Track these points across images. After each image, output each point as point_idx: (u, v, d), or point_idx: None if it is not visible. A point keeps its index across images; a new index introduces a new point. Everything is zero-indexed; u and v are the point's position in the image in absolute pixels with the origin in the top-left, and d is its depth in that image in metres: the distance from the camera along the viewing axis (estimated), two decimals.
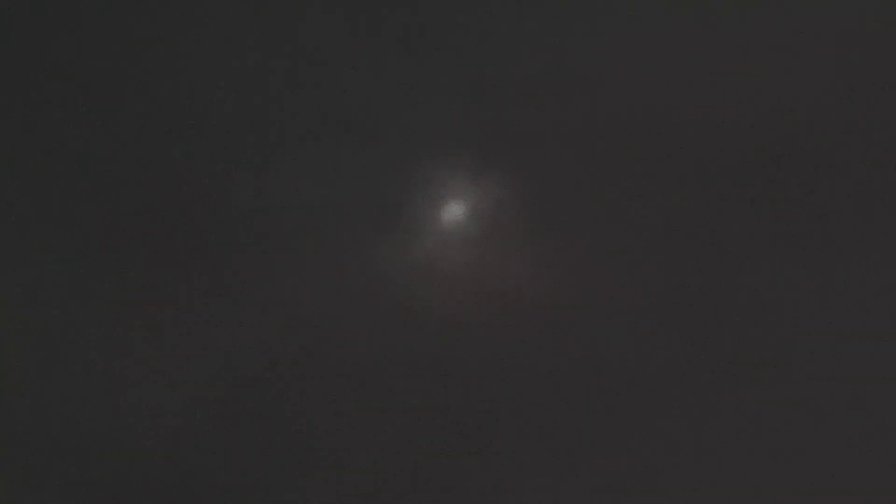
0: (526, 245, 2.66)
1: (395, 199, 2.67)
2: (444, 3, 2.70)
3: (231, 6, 2.73)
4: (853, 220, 2.62)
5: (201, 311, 2.67)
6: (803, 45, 2.66)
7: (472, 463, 2.61)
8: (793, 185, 2.64)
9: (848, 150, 2.64)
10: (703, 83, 2.67)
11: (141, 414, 2.65)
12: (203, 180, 2.69)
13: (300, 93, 2.69)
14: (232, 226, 2.68)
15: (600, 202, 2.64)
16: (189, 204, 2.69)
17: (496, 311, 2.64)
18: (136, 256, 2.68)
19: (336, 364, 2.64)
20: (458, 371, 2.63)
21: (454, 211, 2.65)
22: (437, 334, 2.64)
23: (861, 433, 2.57)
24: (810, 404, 2.58)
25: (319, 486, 2.62)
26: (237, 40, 2.71)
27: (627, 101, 2.66)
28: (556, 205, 2.65)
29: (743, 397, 2.59)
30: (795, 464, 2.58)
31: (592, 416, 2.60)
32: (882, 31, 2.64)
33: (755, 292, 2.61)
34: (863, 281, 2.61)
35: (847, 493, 2.55)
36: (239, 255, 2.67)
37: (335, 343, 2.65)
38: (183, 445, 2.64)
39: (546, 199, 2.65)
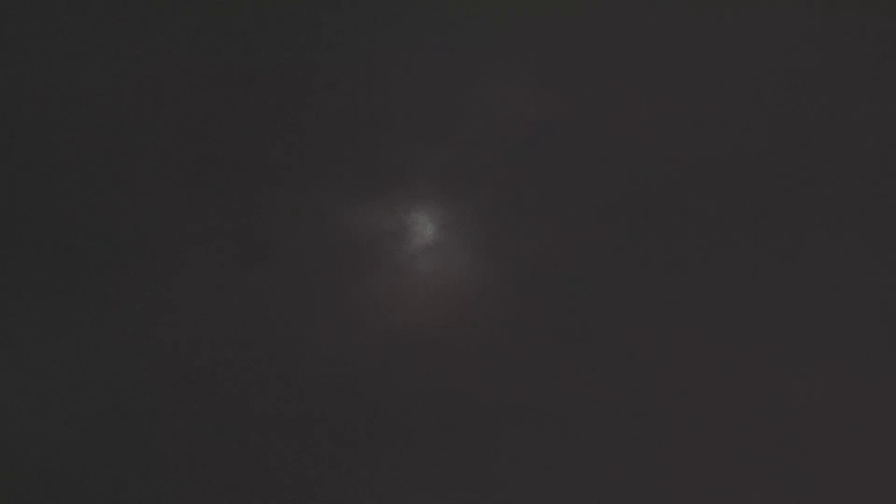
0: (405, 270, 2.67)
1: (261, 228, 2.67)
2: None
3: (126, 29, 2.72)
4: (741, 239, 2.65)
5: (70, 329, 2.66)
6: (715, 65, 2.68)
7: (346, 479, 2.60)
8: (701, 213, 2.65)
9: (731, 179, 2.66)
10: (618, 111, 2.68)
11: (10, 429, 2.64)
12: (91, 200, 2.67)
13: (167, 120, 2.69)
14: (97, 246, 2.66)
15: (491, 229, 2.66)
16: (71, 222, 2.68)
17: (371, 332, 2.65)
18: (8, 272, 2.67)
19: (210, 378, 2.63)
20: (316, 385, 2.64)
21: (320, 239, 2.66)
22: (307, 354, 2.65)
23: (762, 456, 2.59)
24: (709, 437, 2.61)
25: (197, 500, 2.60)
26: (130, 63, 2.71)
27: (512, 133, 2.68)
28: (427, 231, 2.67)
29: (634, 426, 2.62)
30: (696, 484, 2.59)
31: (479, 443, 2.61)
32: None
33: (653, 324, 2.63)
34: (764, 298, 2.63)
35: None
36: (102, 275, 2.65)
37: (207, 358, 2.64)
38: (54, 459, 2.62)
39: (415, 223, 2.67)
